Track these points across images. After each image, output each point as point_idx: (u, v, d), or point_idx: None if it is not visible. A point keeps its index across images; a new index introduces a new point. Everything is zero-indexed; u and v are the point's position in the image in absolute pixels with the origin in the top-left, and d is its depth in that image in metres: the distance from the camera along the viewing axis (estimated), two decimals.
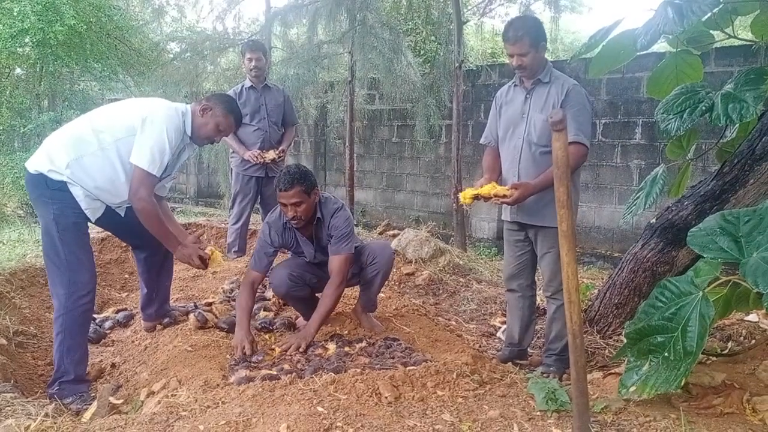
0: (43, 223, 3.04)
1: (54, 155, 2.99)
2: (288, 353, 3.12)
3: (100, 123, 3.08)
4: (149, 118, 3.05)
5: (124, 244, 5.24)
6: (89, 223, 3.16)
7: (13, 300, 4.04)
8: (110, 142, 3.04)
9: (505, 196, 3.10)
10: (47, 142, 3.09)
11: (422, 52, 9.65)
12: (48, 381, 3.11)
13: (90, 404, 2.87)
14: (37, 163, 3.01)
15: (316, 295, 3.61)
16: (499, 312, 4.51)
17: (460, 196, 3.21)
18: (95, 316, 4.04)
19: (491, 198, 3.13)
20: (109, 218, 3.24)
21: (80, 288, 3.00)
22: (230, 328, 3.52)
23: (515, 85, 3.37)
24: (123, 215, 3.29)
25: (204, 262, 3.27)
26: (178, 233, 3.49)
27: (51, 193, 2.98)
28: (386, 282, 3.63)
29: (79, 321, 3.04)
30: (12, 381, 3.05)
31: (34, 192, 3.05)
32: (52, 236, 2.98)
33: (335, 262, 3.33)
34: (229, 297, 4.14)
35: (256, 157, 5.10)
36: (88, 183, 3.03)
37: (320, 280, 3.53)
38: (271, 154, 5.13)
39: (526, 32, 3.11)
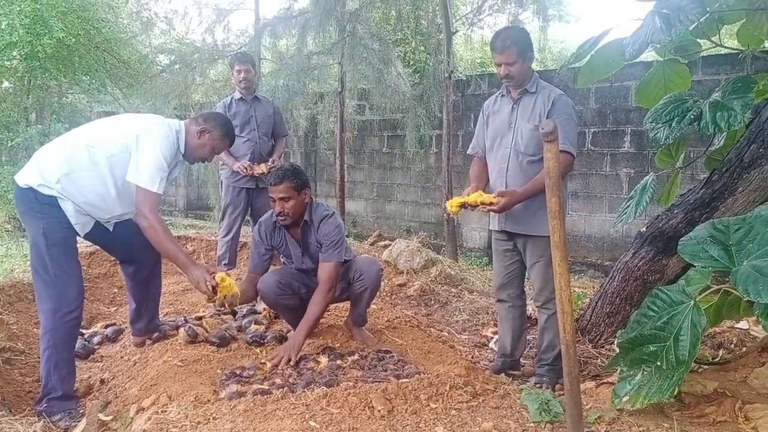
0: (31, 237, 3.01)
1: (45, 169, 2.97)
2: (279, 368, 3.10)
3: (93, 138, 3.06)
4: (144, 135, 3.03)
5: (112, 259, 5.20)
6: (78, 238, 3.14)
7: (1, 316, 3.99)
8: (103, 158, 3.02)
9: (491, 203, 3.10)
10: (38, 155, 3.06)
11: (412, 63, 9.66)
12: (36, 398, 3.07)
13: (79, 421, 2.84)
14: (28, 177, 2.98)
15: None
16: (491, 322, 4.50)
17: (447, 204, 3.22)
18: (84, 331, 4.00)
19: (478, 206, 3.14)
20: (97, 233, 3.22)
21: (68, 303, 2.97)
22: (221, 343, 3.50)
23: (502, 96, 3.38)
24: (111, 230, 3.27)
25: (214, 290, 3.14)
26: None
27: (41, 207, 2.95)
28: (377, 294, 3.61)
29: (67, 337, 3.00)
30: None
31: (23, 206, 3.02)
32: (40, 251, 2.95)
33: (323, 269, 3.35)
34: (220, 311, 4.11)
35: (246, 169, 5.08)
36: (78, 198, 3.01)
37: (309, 290, 3.52)
38: (261, 168, 5.12)
39: (514, 42, 3.13)
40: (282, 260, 3.75)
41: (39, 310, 3.04)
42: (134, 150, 3.01)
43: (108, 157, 3.02)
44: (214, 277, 3.11)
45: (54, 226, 2.97)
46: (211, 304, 4.05)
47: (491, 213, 3.23)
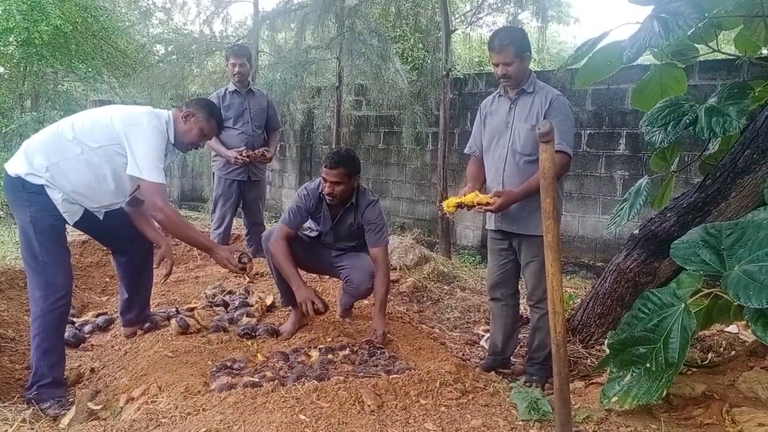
0: (20, 225, 3.02)
1: (34, 158, 2.98)
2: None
3: (82, 128, 3.06)
4: (135, 128, 3.04)
5: (105, 247, 5.19)
6: (69, 227, 3.14)
7: None
8: (93, 149, 3.03)
9: (488, 203, 3.11)
10: (27, 144, 3.07)
11: (410, 60, 9.65)
12: (25, 385, 3.07)
13: (68, 409, 2.83)
14: (17, 166, 2.99)
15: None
16: (483, 320, 4.51)
17: (444, 204, 3.22)
18: (75, 319, 3.99)
19: (474, 206, 3.14)
20: (87, 222, 3.21)
21: (57, 290, 2.98)
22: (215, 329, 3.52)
23: (500, 95, 3.38)
24: (101, 219, 3.26)
25: (243, 266, 3.31)
26: (156, 237, 3.52)
27: (29, 196, 2.97)
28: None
29: (56, 323, 3.02)
30: None
31: (12, 194, 3.03)
32: (29, 239, 2.97)
33: (378, 253, 3.55)
34: (212, 302, 4.11)
35: (239, 158, 5.03)
36: (66, 187, 3.01)
37: (312, 262, 3.75)
38: (256, 153, 5.09)
39: (512, 42, 3.14)
40: (307, 224, 3.79)
41: (29, 297, 3.05)
42: (126, 143, 3.01)
43: (97, 148, 3.03)
44: (240, 255, 3.31)
45: (42, 214, 2.98)
46: (203, 296, 4.06)
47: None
